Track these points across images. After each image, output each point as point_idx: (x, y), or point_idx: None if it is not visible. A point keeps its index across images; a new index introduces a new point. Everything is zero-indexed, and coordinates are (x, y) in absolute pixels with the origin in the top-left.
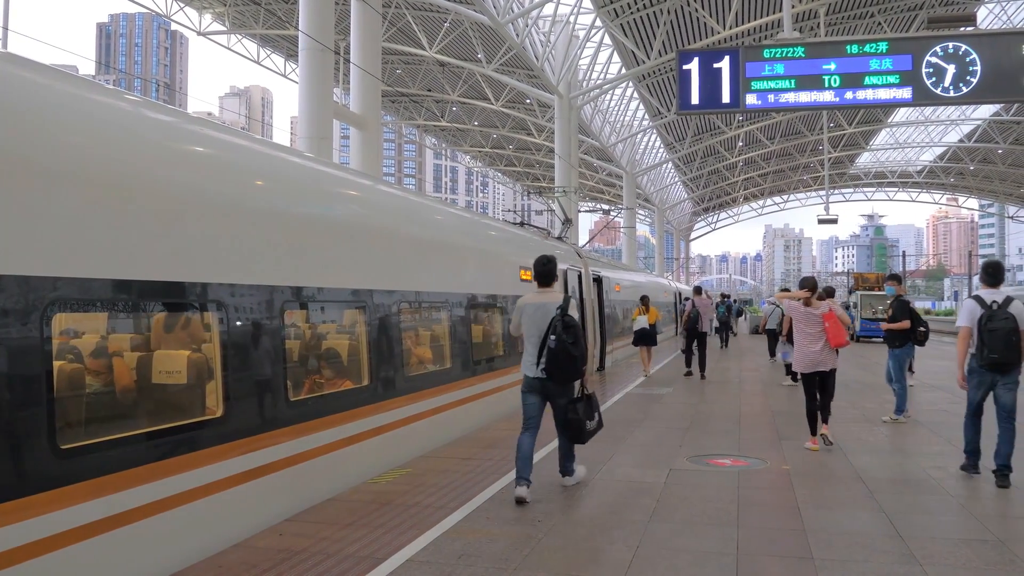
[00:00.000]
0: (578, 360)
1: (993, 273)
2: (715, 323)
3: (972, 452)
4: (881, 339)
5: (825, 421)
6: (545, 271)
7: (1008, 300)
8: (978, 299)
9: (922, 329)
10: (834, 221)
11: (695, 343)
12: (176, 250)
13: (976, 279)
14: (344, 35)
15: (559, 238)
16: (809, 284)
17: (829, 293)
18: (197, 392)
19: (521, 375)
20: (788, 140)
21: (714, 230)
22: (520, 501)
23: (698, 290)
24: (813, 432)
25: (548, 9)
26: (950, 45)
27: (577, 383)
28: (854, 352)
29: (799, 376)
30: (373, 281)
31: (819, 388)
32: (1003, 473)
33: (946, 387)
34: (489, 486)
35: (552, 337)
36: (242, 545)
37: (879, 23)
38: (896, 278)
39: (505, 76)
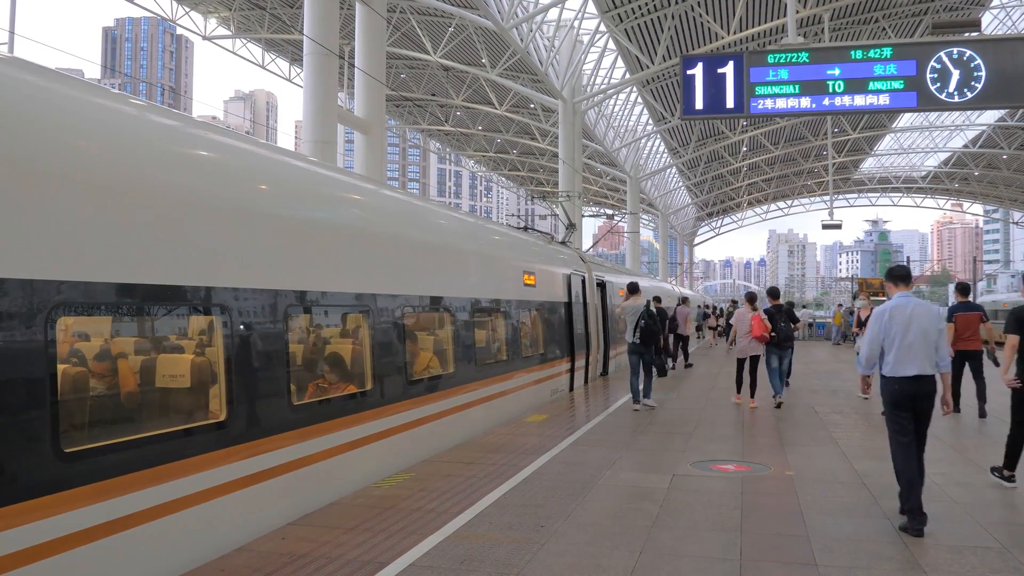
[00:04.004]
0: (657, 333)
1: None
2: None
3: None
4: None
5: (752, 395)
6: (633, 286)
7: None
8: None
9: (773, 335)
10: (838, 226)
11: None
12: (179, 253)
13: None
14: (349, 39)
15: (563, 243)
16: (749, 298)
17: (751, 299)
18: (200, 396)
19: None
20: (792, 145)
21: (718, 235)
22: (637, 403)
23: (657, 299)
24: (739, 392)
25: (552, 14)
26: (955, 50)
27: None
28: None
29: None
30: (377, 285)
31: (751, 369)
32: None
33: None
34: (492, 490)
35: (643, 321)
36: (245, 549)
37: (883, 28)
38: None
39: (509, 81)
